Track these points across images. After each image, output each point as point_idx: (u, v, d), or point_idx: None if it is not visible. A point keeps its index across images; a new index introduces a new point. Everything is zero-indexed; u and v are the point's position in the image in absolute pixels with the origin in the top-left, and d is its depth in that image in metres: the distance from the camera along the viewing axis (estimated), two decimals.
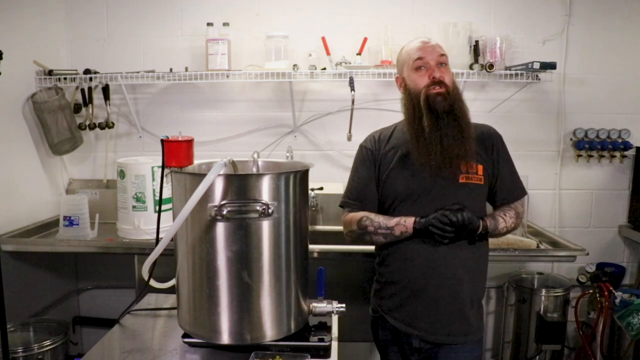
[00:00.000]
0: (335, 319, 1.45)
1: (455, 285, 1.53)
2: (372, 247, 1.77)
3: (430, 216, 1.48)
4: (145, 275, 1.42)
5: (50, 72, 2.49)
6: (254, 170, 1.42)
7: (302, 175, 1.32)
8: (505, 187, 1.61)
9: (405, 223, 1.51)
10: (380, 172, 1.61)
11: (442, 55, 1.55)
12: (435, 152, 1.49)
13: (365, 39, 2.50)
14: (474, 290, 1.57)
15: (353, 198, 1.64)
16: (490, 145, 1.60)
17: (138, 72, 2.53)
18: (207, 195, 1.18)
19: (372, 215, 1.58)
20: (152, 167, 2.23)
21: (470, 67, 2.44)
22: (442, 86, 1.51)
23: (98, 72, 2.57)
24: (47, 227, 2.47)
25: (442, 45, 1.60)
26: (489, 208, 1.66)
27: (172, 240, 1.25)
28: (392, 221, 1.53)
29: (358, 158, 1.67)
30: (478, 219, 1.49)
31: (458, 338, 1.56)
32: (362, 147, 1.67)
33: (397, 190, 1.57)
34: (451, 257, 1.53)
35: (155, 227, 1.42)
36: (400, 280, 1.59)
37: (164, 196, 1.47)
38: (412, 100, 1.55)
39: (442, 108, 1.49)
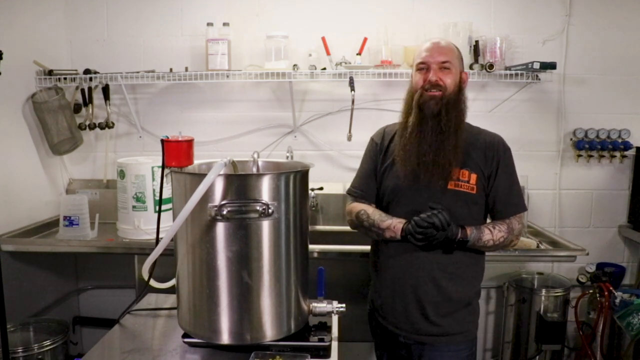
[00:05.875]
0: (335, 319, 1.45)
1: (432, 287, 1.54)
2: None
3: (409, 224, 1.48)
4: (145, 275, 1.42)
5: (50, 72, 2.49)
6: (254, 170, 1.42)
7: (302, 175, 1.32)
8: (500, 201, 1.56)
9: (395, 229, 1.53)
10: (379, 167, 1.65)
11: (445, 61, 1.52)
12: (412, 154, 1.51)
13: (365, 39, 2.50)
14: (457, 293, 1.55)
15: (356, 187, 1.70)
16: (492, 155, 1.56)
17: (138, 72, 2.53)
18: (207, 195, 1.18)
19: (370, 211, 1.60)
20: (152, 167, 2.23)
21: (470, 67, 2.44)
22: (438, 89, 1.51)
23: (98, 72, 2.57)
24: (47, 227, 2.47)
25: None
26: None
27: (172, 240, 1.25)
28: (384, 223, 1.55)
29: (366, 149, 1.73)
30: (457, 227, 1.47)
31: (440, 338, 1.56)
32: (371, 139, 1.73)
33: (388, 189, 1.61)
34: (431, 259, 1.53)
35: (155, 227, 1.42)
36: (384, 279, 1.63)
37: (164, 196, 1.47)
38: (408, 98, 1.59)
39: (431, 112, 1.51)
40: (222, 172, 1.18)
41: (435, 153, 1.50)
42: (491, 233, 1.51)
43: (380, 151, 1.67)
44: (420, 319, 1.56)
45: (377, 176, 1.67)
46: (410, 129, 1.54)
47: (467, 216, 1.53)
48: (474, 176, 1.53)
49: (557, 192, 2.72)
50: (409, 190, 1.56)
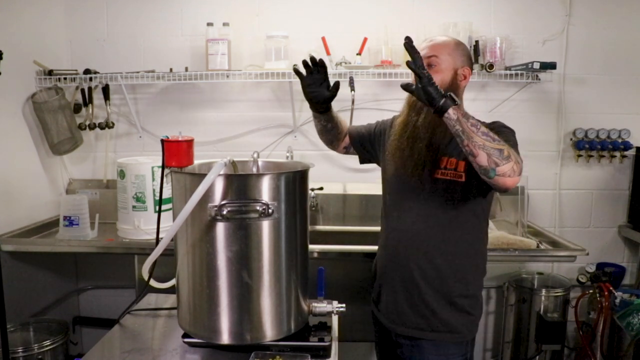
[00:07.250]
0: (335, 319, 1.45)
1: (418, 277, 1.52)
2: (372, 247, 1.78)
3: None
4: (145, 275, 1.42)
5: (50, 72, 2.49)
6: (254, 170, 1.42)
7: (302, 175, 1.32)
8: None
9: None
10: (383, 152, 1.71)
11: (430, 57, 1.51)
12: (397, 149, 1.56)
13: (365, 39, 2.50)
14: (446, 285, 1.52)
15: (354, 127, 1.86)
16: None
17: (138, 72, 2.53)
18: (207, 195, 1.18)
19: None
20: (152, 167, 2.23)
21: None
22: None
23: (98, 72, 2.57)
24: (47, 227, 2.47)
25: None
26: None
27: (172, 240, 1.25)
28: None
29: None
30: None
31: (427, 334, 1.52)
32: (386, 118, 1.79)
33: (385, 176, 1.67)
34: (417, 245, 1.53)
35: (155, 227, 1.42)
36: (376, 269, 1.66)
37: (164, 196, 1.47)
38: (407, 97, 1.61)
39: (416, 111, 1.52)
40: (222, 172, 1.18)
41: (425, 146, 1.49)
42: (480, 122, 1.32)
43: (381, 133, 1.73)
44: (408, 310, 1.54)
45: (370, 136, 1.76)
46: (397, 126, 1.59)
47: (460, 205, 1.51)
48: (462, 163, 1.48)
49: (557, 192, 2.72)
50: (396, 182, 1.60)
